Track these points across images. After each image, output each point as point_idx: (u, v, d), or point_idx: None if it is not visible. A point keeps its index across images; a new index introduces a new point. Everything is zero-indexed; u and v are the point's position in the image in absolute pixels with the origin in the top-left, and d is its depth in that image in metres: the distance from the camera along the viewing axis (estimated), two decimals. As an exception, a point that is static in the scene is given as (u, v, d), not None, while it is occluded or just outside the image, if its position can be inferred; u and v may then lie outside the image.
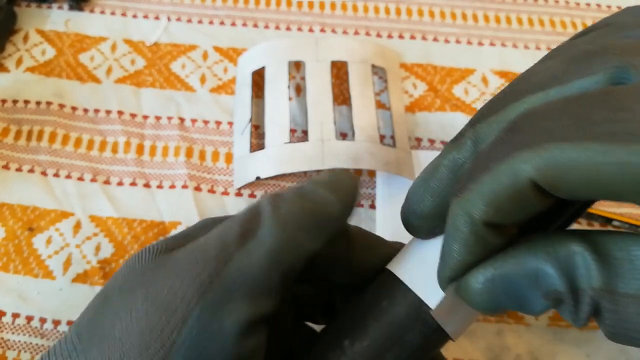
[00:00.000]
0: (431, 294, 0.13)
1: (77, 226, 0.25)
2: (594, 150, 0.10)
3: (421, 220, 0.14)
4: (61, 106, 0.29)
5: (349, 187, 0.15)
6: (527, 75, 0.13)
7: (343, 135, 0.28)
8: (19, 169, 0.27)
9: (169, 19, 0.32)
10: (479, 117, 0.13)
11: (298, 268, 0.13)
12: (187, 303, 0.12)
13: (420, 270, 0.14)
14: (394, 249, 0.16)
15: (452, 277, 0.12)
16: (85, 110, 0.29)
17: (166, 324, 0.12)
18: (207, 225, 0.15)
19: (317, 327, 0.17)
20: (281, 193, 0.14)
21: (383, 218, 0.26)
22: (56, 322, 0.23)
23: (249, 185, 0.27)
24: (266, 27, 0.32)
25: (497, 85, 0.31)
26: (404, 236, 0.16)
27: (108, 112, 0.29)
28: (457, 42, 0.32)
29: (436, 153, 0.29)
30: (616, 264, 0.11)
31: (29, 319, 0.23)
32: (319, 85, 0.28)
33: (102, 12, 0.32)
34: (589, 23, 0.34)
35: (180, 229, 0.26)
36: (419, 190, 0.14)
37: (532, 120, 0.11)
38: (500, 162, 0.11)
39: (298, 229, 0.13)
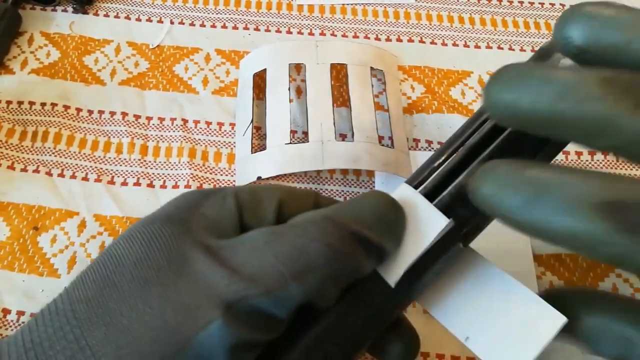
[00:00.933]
0: (391, 275, 0.15)
1: (82, 225, 0.26)
2: None
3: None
4: (66, 107, 0.29)
5: (397, 232, 0.14)
6: None
7: (342, 136, 0.29)
8: (24, 169, 0.27)
9: (172, 22, 0.33)
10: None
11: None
12: (211, 313, 0.12)
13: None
14: None
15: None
16: (90, 112, 0.29)
17: (183, 325, 0.12)
18: (196, 199, 0.15)
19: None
20: (332, 233, 0.13)
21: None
22: (61, 319, 0.23)
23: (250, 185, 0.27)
24: (267, 30, 0.33)
25: (493, 87, 0.32)
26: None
27: (112, 113, 0.29)
28: (454, 45, 0.33)
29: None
30: None
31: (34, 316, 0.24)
32: (318, 87, 0.28)
33: (106, 15, 0.33)
34: (584, 27, 0.35)
35: (183, 228, 0.26)
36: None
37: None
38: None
39: (322, 284, 0.13)
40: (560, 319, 0.13)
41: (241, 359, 0.13)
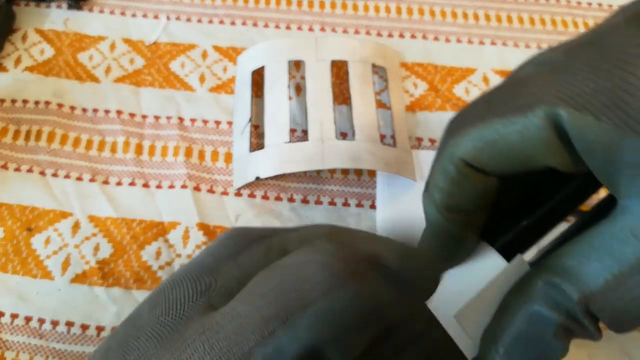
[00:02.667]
0: (443, 317, 0.15)
1: (76, 226, 0.25)
2: (498, 124, 0.12)
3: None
4: (60, 106, 0.29)
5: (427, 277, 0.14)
6: None
7: (343, 135, 0.28)
8: (17, 169, 0.27)
9: (168, 18, 0.32)
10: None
11: None
12: None
13: (439, 301, 0.15)
14: None
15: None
16: (84, 110, 0.29)
17: None
18: (237, 248, 0.14)
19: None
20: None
21: (383, 218, 0.26)
22: (55, 323, 0.23)
23: (248, 185, 0.27)
24: (266, 26, 0.32)
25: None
26: (403, 236, 0.16)
27: (107, 111, 0.29)
28: (458, 41, 0.32)
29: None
30: (576, 272, 0.12)
31: (28, 319, 0.23)
32: (318, 84, 0.28)
33: (101, 12, 0.32)
34: (590, 22, 0.34)
35: (179, 229, 0.25)
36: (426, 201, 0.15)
37: (462, 111, 0.14)
38: (442, 152, 0.14)
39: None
40: (502, 263, 0.14)
41: None
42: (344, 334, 0.11)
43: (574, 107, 0.12)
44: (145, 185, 0.27)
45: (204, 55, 0.31)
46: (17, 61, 0.30)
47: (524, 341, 0.13)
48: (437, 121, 0.29)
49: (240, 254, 0.14)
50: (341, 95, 0.30)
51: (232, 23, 0.32)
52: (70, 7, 0.32)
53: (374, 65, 0.29)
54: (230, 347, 0.11)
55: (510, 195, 0.16)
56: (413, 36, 0.32)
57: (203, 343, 0.11)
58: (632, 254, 0.11)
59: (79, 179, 0.27)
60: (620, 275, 0.12)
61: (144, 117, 0.29)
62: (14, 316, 0.23)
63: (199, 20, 0.32)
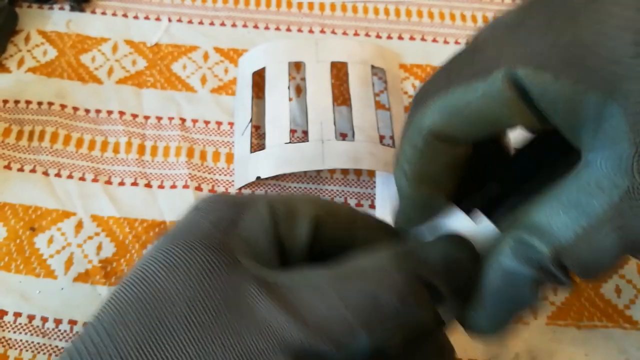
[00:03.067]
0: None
1: (79, 226, 0.26)
2: (461, 92, 0.13)
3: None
4: (63, 107, 0.29)
5: (463, 279, 0.14)
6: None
7: (343, 136, 0.28)
8: (20, 169, 0.27)
9: (169, 20, 0.32)
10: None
11: None
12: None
13: None
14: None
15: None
16: (87, 111, 0.29)
17: None
18: (231, 215, 0.14)
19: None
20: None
21: (382, 218, 0.26)
22: (57, 322, 0.23)
23: (249, 185, 0.27)
24: (266, 28, 0.33)
25: (496, 85, 0.31)
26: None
27: (109, 112, 0.29)
28: (457, 43, 0.33)
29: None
30: (545, 227, 0.12)
31: (31, 318, 0.23)
32: (319, 85, 0.28)
33: (104, 13, 0.33)
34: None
35: (181, 228, 0.26)
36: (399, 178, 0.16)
37: (425, 84, 0.14)
38: (409, 125, 0.14)
39: (391, 335, 0.13)
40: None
41: None
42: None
43: (532, 67, 0.12)
44: (148, 186, 0.27)
45: (205, 56, 0.31)
46: (20, 62, 0.30)
47: (501, 298, 0.13)
48: (435, 122, 0.30)
49: (238, 224, 0.14)
50: (341, 96, 0.30)
51: (233, 25, 0.33)
52: (72, 8, 0.32)
53: (373, 67, 0.30)
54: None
55: (478, 161, 0.16)
56: (412, 38, 0.33)
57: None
58: (600, 205, 0.12)
59: (82, 179, 0.27)
60: (589, 227, 0.12)
61: (146, 117, 0.29)
62: (17, 315, 0.23)
63: (200, 22, 0.33)
